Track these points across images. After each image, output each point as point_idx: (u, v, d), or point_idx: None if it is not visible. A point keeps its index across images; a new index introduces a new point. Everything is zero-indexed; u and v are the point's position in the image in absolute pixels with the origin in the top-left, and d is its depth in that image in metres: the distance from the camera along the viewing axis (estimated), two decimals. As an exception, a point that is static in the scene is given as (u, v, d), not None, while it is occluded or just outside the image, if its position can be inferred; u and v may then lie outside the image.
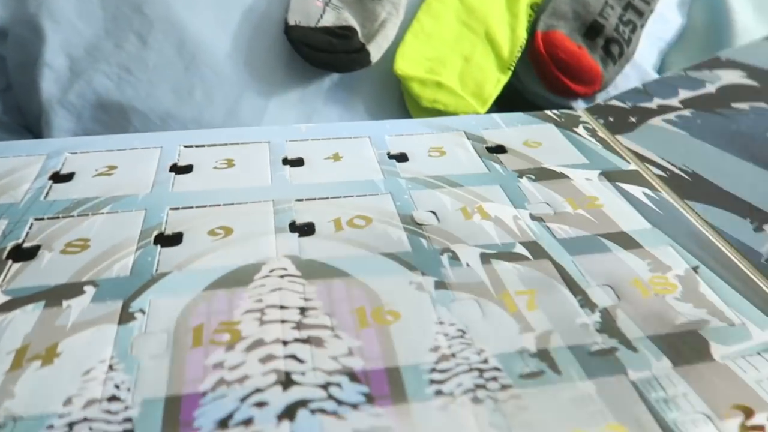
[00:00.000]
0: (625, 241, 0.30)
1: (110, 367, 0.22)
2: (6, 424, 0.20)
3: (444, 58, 0.48)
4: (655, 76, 0.56)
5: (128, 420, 0.21)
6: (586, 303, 0.26)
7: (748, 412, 0.22)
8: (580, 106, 0.51)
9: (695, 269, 0.29)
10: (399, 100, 0.48)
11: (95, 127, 0.41)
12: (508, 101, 0.53)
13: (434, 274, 0.27)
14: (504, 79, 0.49)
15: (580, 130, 0.41)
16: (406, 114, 0.48)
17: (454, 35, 0.49)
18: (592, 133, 0.41)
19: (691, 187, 0.35)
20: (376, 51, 0.46)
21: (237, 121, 0.43)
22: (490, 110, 0.50)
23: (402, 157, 0.36)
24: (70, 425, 0.20)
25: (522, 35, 0.50)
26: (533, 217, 0.32)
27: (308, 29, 0.44)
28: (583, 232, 0.31)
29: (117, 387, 0.22)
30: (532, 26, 0.50)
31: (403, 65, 0.46)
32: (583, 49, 0.50)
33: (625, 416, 0.21)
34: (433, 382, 0.22)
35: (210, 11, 0.45)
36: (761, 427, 0.21)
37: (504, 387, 0.22)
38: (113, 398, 0.21)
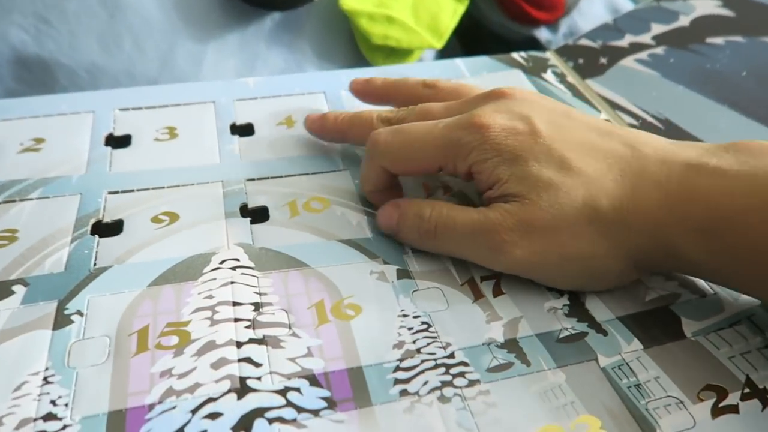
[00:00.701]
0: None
1: (45, 380, 0.21)
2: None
3: (394, -12, 0.44)
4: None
5: (68, 441, 0.19)
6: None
7: (721, 393, 0.21)
8: (544, 36, 0.49)
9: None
10: (349, 39, 0.45)
11: (18, 87, 0.38)
12: (468, 33, 0.50)
13: (396, 262, 0.26)
14: (461, 9, 0.45)
15: (549, 75, 0.39)
16: (357, 54, 0.44)
17: (405, -36, 0.45)
18: (561, 78, 0.38)
19: (665, 137, 0.34)
20: (319, -16, 0.42)
21: (173, 72, 0.39)
22: (449, 44, 0.47)
23: (360, 118, 0.34)
24: (2, 451, 0.19)
25: (480, -39, 0.46)
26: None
27: (246, -36, 0.40)
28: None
29: (53, 403, 0.20)
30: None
31: (349, -1, 0.42)
32: (544, -29, 0.46)
33: (596, 407, 0.21)
34: (397, 381, 0.21)
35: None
36: (734, 407, 0.21)
37: (472, 383, 0.21)
38: (49, 416, 0.20)
